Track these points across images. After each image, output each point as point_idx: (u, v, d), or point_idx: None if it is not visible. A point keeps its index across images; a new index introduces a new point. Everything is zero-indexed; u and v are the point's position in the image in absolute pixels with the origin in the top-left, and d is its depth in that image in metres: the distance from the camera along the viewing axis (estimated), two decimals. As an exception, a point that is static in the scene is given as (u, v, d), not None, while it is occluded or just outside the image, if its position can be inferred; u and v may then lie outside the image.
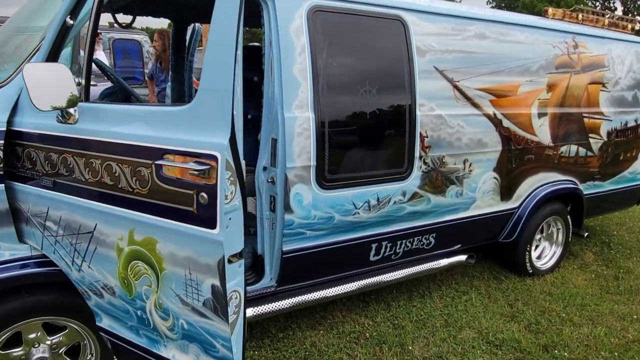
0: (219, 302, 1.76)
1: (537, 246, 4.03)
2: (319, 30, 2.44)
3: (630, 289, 3.67)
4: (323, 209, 2.57)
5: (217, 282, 1.73)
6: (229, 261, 1.72)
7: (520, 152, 3.40)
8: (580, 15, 3.98)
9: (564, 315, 3.21)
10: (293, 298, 2.68)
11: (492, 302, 3.36)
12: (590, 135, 3.86)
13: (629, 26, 4.39)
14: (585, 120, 3.80)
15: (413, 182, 2.87)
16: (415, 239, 3.07)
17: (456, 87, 2.98)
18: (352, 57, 2.62)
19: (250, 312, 2.53)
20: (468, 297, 3.40)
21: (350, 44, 2.60)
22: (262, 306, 2.58)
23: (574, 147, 3.77)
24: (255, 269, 2.63)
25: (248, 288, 2.53)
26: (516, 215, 3.56)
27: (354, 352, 2.71)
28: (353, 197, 2.66)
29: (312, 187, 2.49)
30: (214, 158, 1.65)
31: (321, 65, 2.45)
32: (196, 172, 1.68)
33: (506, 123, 3.26)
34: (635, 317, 3.24)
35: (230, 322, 1.79)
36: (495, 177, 3.31)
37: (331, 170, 2.54)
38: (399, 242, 2.99)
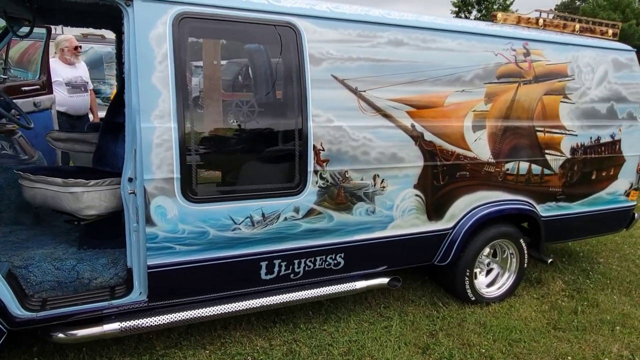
0: None
1: (489, 271, 3.69)
2: (186, 38, 2.36)
3: (584, 326, 3.25)
4: (193, 223, 2.45)
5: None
6: None
7: (450, 169, 3.12)
8: (541, 21, 3.64)
9: (485, 350, 2.87)
10: (169, 315, 2.57)
11: (413, 330, 3.08)
12: (546, 151, 3.48)
13: (610, 31, 3.97)
14: (540, 134, 3.44)
15: (308, 197, 2.70)
16: (318, 258, 2.87)
17: (362, 98, 2.78)
18: (227, 65, 2.51)
19: (116, 326, 2.46)
20: (388, 323, 3.14)
21: (226, 52, 2.49)
22: (132, 321, 2.49)
23: (524, 164, 3.41)
24: (127, 282, 2.55)
25: (116, 301, 2.47)
26: (450, 237, 3.26)
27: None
28: (231, 212, 2.53)
29: (177, 200, 2.38)
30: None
31: (188, 74, 2.36)
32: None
33: (429, 136, 3.00)
34: (569, 358, 2.85)
35: None
36: (417, 195, 3.05)
37: (200, 183, 2.43)
38: (296, 262, 2.81)
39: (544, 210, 3.60)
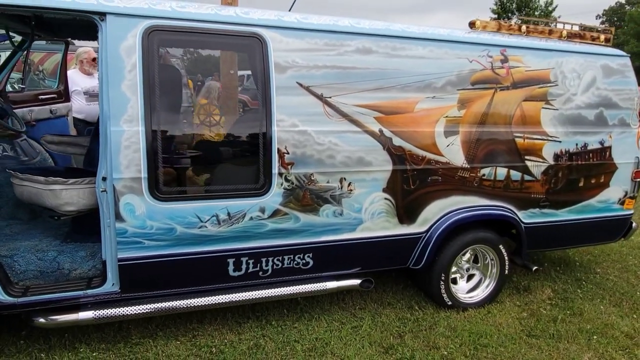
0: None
1: (470, 277, 3.69)
2: (155, 48, 2.56)
3: (559, 334, 3.20)
4: (161, 220, 2.64)
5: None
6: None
7: (421, 173, 3.17)
8: (524, 27, 3.64)
9: (448, 353, 2.89)
10: (140, 306, 2.76)
11: (381, 331, 3.13)
12: (526, 157, 3.47)
13: (602, 37, 3.91)
14: (519, 140, 3.43)
15: (273, 199, 2.83)
16: (286, 257, 2.99)
17: (327, 103, 2.90)
18: (193, 73, 2.69)
19: (90, 314, 2.67)
20: (359, 323, 3.21)
21: (193, 61, 2.67)
22: (105, 310, 2.70)
23: (502, 170, 3.41)
24: (102, 273, 2.76)
25: (91, 291, 2.68)
26: (424, 241, 3.31)
27: (195, 366, 2.72)
28: (197, 211, 2.69)
29: (145, 198, 2.57)
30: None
31: (155, 82, 2.55)
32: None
33: (398, 141, 3.07)
34: (534, 365, 2.83)
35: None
36: (387, 198, 3.12)
37: (167, 182, 2.62)
38: (264, 260, 2.94)
39: (527, 216, 3.58)
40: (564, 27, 3.80)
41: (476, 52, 3.30)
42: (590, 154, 3.72)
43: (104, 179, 2.58)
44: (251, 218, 2.81)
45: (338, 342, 2.98)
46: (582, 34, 3.86)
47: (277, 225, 2.88)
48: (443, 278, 3.43)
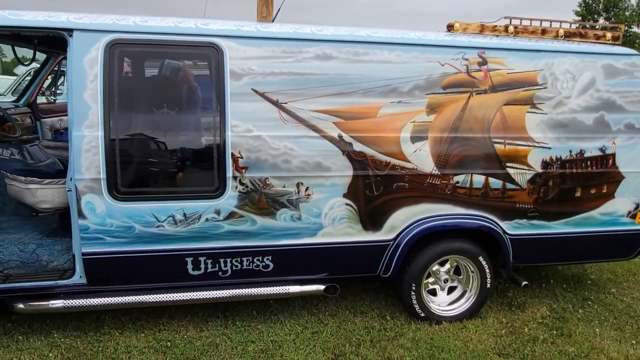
0: None
1: (452, 289, 3.53)
2: (116, 60, 2.78)
3: (534, 354, 2.96)
4: (120, 218, 2.83)
5: None
6: None
7: (385, 179, 3.11)
8: (511, 28, 3.45)
9: (399, 365, 2.80)
10: (106, 298, 2.98)
11: (340, 338, 3.09)
12: (508, 164, 3.27)
13: (608, 35, 3.60)
14: (499, 146, 3.25)
15: (228, 201, 2.93)
16: (244, 259, 3.07)
17: (283, 109, 2.95)
18: (151, 82, 2.88)
19: (60, 302, 2.93)
20: (321, 329, 3.20)
21: (152, 70, 2.86)
22: (74, 300, 2.94)
23: (479, 178, 3.25)
24: (73, 266, 3.01)
25: (62, 282, 2.94)
26: (391, 249, 3.23)
27: (147, 358, 2.85)
28: (154, 210, 2.86)
29: (104, 198, 2.79)
30: None
31: (115, 91, 2.77)
32: None
33: (359, 147, 3.05)
34: (487, 384, 2.65)
35: None
36: (348, 204, 3.10)
37: (125, 183, 2.81)
38: (222, 260, 3.04)
39: (512, 227, 3.36)
40: (560, 25, 3.55)
41: (449, 55, 3.19)
42: (588, 162, 3.42)
43: (72, 179, 2.85)
44: (207, 219, 2.93)
45: (291, 345, 3.00)
46: (584, 33, 3.58)
47: (234, 227, 2.98)
48: (414, 288, 3.31)
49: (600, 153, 3.43)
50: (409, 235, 3.19)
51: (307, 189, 3.03)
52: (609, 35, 3.60)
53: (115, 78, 2.77)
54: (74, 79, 2.72)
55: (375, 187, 3.12)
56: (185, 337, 3.07)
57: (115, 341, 2.99)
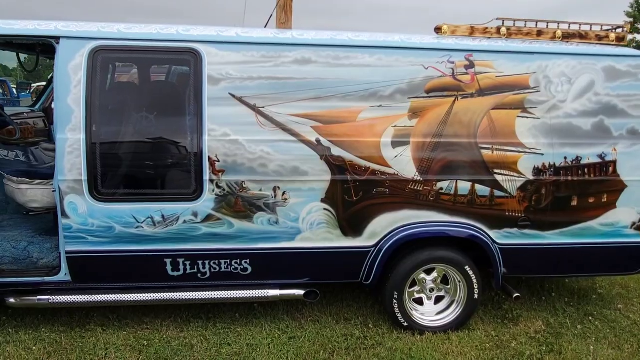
0: None
1: (439, 298, 3.42)
2: (99, 65, 2.88)
3: (516, 370, 2.82)
4: (101, 218, 2.93)
5: None
6: None
7: (365, 184, 3.06)
8: (503, 29, 3.33)
9: (369, 374, 2.73)
10: (89, 296, 3.08)
11: (317, 345, 3.06)
12: (496, 170, 3.15)
13: (612, 36, 3.41)
14: (486, 152, 3.13)
15: (205, 204, 2.97)
16: (222, 262, 3.10)
17: (260, 113, 2.97)
18: (131, 86, 2.96)
19: (46, 298, 3.06)
20: (299, 334, 3.17)
21: (132, 75, 2.95)
22: (59, 297, 3.06)
23: (465, 184, 3.14)
24: (59, 264, 3.13)
25: (49, 278, 3.07)
26: (372, 256, 3.17)
27: (123, 355, 2.93)
28: (133, 212, 2.94)
29: (85, 198, 2.89)
30: None
31: (97, 95, 2.87)
32: None
33: (337, 151, 3.02)
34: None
35: None
36: (326, 209, 3.07)
37: (105, 185, 2.91)
38: (200, 262, 3.08)
39: (502, 237, 3.23)
40: (558, 26, 3.39)
41: (434, 59, 3.11)
42: (586, 169, 3.23)
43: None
44: (185, 221, 2.98)
45: (265, 350, 2.99)
46: (584, 34, 3.40)
47: (211, 229, 3.01)
48: (396, 296, 3.23)
49: (599, 160, 3.24)
50: (390, 242, 3.12)
51: (284, 193, 3.03)
52: (612, 36, 3.41)
53: (98, 83, 2.88)
54: (59, 84, 2.85)
55: (355, 193, 3.08)
56: (165, 336, 3.13)
57: (96, 338, 3.09)
